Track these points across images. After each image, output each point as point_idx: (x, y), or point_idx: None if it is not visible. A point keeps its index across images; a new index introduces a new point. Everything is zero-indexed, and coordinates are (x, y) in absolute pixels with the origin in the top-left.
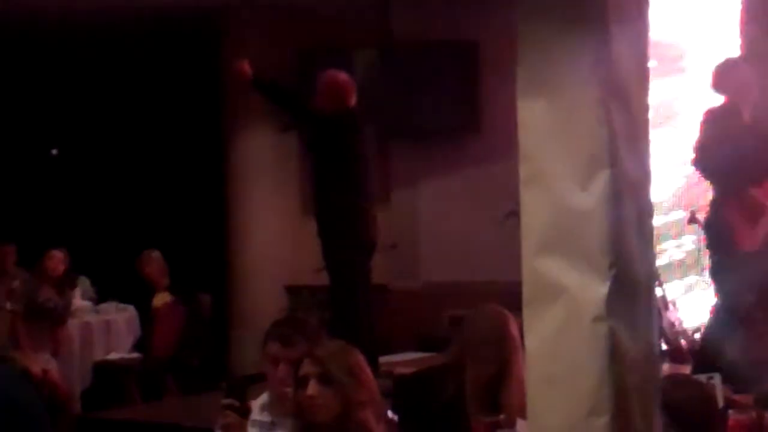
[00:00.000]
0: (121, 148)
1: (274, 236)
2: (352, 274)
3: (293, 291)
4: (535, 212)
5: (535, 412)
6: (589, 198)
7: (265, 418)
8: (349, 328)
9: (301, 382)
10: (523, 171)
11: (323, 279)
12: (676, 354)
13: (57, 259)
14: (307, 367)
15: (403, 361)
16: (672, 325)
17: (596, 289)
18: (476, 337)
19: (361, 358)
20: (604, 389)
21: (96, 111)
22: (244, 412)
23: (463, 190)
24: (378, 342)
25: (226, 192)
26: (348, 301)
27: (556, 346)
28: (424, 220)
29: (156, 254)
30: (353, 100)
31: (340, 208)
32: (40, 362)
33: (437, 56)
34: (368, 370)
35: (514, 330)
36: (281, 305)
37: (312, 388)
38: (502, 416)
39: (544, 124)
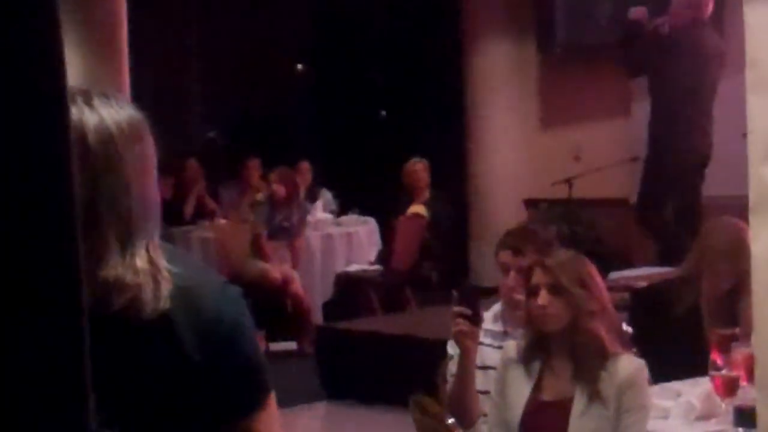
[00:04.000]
0: (363, 63)
1: (513, 150)
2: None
3: (531, 204)
4: (762, 119)
5: (762, 318)
6: None
7: (498, 327)
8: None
9: (532, 292)
10: (750, 76)
11: (561, 192)
12: None
13: (304, 170)
14: (538, 277)
15: (643, 275)
16: None
17: None
18: (713, 250)
19: (592, 268)
20: None
21: (337, 27)
22: (476, 320)
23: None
24: (620, 255)
25: (467, 106)
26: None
27: None
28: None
29: (423, 164)
30: (709, 8)
31: (695, 121)
32: (281, 271)
33: None
34: (599, 280)
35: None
36: (520, 218)
37: (542, 297)
38: (737, 329)
39: None
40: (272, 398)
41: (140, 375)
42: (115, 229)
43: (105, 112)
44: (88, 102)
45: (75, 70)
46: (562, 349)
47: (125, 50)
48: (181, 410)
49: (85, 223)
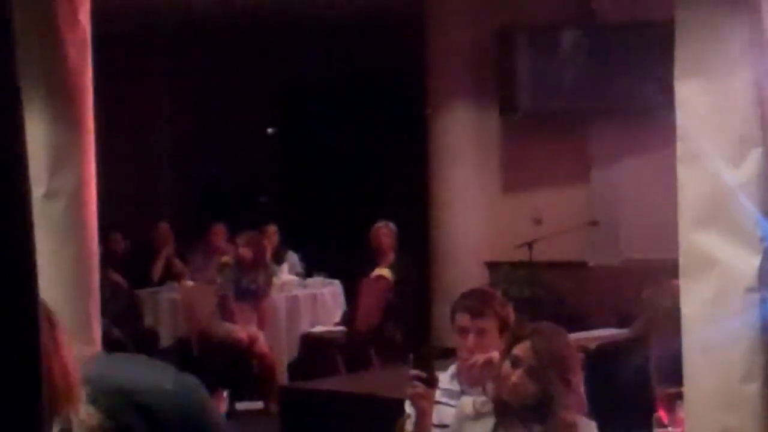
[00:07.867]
0: (329, 128)
1: (475, 213)
2: None
3: (493, 266)
4: (690, 188)
5: (691, 378)
6: (742, 175)
7: (455, 387)
8: None
9: (513, 362)
10: (680, 150)
11: (522, 255)
12: None
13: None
14: (523, 351)
15: (600, 336)
16: None
17: (749, 262)
18: (660, 313)
19: (574, 352)
20: (756, 356)
21: (306, 94)
22: (431, 382)
23: (663, 167)
24: (577, 318)
25: (428, 170)
26: None
27: (711, 315)
28: (623, 198)
29: (389, 227)
30: None
31: None
32: (247, 331)
33: (639, 37)
34: (577, 363)
35: None
36: (482, 280)
37: (518, 376)
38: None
39: (700, 105)
40: None
41: None
42: None
43: None
44: None
45: (37, 134)
46: (525, 417)
47: (90, 115)
48: None
49: None
